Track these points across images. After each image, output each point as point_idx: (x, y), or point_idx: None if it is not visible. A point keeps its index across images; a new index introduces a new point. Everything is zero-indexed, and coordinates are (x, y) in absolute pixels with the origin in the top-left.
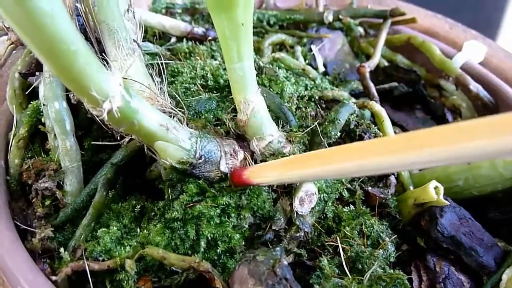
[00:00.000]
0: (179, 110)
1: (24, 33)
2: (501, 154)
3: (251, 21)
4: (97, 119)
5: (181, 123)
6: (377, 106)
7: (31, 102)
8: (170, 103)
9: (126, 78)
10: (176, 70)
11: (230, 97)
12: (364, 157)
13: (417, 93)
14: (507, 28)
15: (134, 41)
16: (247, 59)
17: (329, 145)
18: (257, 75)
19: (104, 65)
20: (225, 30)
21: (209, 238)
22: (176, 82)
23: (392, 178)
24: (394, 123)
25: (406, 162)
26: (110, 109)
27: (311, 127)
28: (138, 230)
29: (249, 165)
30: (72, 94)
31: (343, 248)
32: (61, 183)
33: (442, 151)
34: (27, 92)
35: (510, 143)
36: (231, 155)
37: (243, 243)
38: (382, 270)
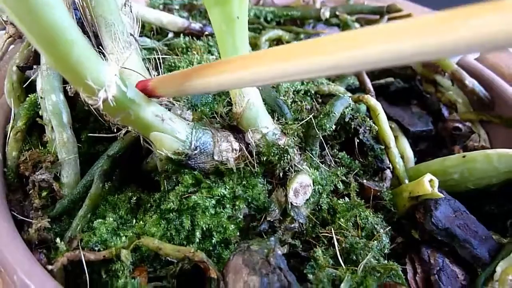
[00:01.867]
0: (175, 102)
1: (22, 22)
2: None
3: (246, 15)
4: (93, 110)
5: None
6: (372, 100)
7: (29, 95)
8: None
9: (124, 68)
10: (173, 64)
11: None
12: (279, 60)
13: (413, 88)
14: None
15: (131, 35)
16: (242, 53)
17: (324, 138)
18: None
19: (101, 58)
20: (220, 24)
21: (204, 228)
22: None
23: (388, 171)
24: (390, 118)
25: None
26: (106, 98)
27: (306, 120)
28: (134, 221)
29: (244, 155)
30: (69, 87)
31: (337, 239)
32: (58, 175)
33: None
34: (24, 85)
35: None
36: (226, 146)
37: (238, 233)
38: (377, 261)
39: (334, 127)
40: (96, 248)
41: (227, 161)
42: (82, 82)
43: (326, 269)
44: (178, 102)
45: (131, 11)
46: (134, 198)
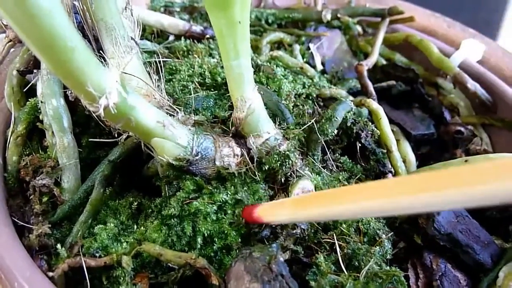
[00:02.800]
0: (177, 108)
1: (21, 29)
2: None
3: (248, 19)
4: (94, 116)
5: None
6: (374, 104)
7: (29, 99)
8: (168, 100)
9: (124, 73)
10: (174, 68)
11: (228, 95)
12: (383, 196)
13: (415, 91)
14: (507, 28)
15: (132, 38)
16: (244, 56)
17: (326, 142)
18: (254, 73)
19: (102, 62)
20: (222, 28)
21: (206, 234)
22: (173, 80)
23: (390, 175)
24: (391, 121)
25: (420, 203)
26: (107, 105)
27: (308, 125)
28: (135, 226)
29: (246, 161)
30: (69, 91)
31: (339, 245)
32: (59, 180)
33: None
34: (25, 90)
35: None
36: (227, 152)
37: (240, 240)
38: (379, 267)
39: (336, 131)
40: (97, 254)
41: (228, 166)
42: (83, 89)
43: (328, 276)
44: (179, 107)
45: (132, 15)
46: (135, 204)
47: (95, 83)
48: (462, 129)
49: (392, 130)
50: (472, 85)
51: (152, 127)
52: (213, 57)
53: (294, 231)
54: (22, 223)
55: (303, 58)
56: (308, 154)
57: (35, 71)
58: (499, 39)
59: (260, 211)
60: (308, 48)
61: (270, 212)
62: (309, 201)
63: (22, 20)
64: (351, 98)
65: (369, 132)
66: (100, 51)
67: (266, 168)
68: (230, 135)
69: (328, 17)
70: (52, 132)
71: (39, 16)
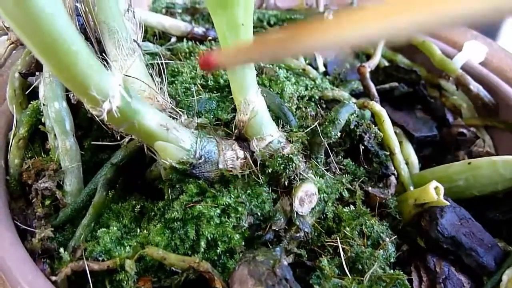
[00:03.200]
0: (180, 110)
1: (24, 33)
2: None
3: (251, 21)
4: (97, 119)
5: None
6: (377, 106)
7: (31, 102)
8: (170, 103)
9: (127, 75)
10: (176, 70)
11: (230, 97)
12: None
13: (418, 93)
14: (508, 28)
15: (134, 41)
16: None
17: (329, 145)
18: (257, 75)
19: (104, 65)
20: (225, 30)
21: (209, 238)
22: (176, 82)
23: (393, 178)
24: (394, 123)
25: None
26: (110, 109)
27: (311, 127)
28: (138, 230)
29: (249, 164)
30: (72, 94)
31: (343, 249)
32: (61, 183)
33: None
34: (27, 92)
35: None
36: (231, 155)
37: (243, 243)
38: (382, 271)
39: (339, 134)
40: (100, 258)
41: (232, 169)
42: (86, 93)
43: (332, 279)
44: (182, 110)
45: (134, 17)
46: (138, 207)
47: (98, 87)
48: (465, 131)
49: (395, 132)
50: (474, 86)
51: (155, 130)
52: None
53: (298, 235)
54: (24, 227)
55: (305, 60)
56: (311, 157)
57: (37, 73)
58: (499, 40)
59: (220, 53)
60: None
61: (232, 52)
62: (264, 40)
63: (24, 23)
64: (353, 100)
65: (372, 135)
66: (103, 54)
67: (270, 171)
68: (233, 138)
69: (330, 18)
70: (55, 135)
71: (41, 19)
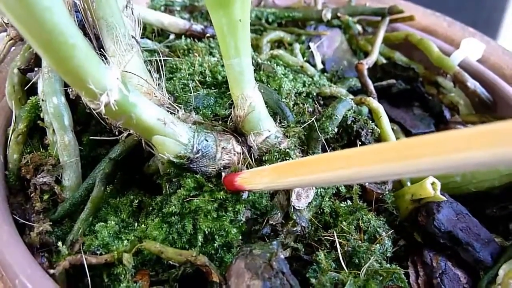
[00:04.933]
0: (177, 106)
1: (23, 26)
2: (497, 164)
3: (249, 18)
4: (95, 113)
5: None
6: (374, 103)
7: (30, 97)
8: (168, 98)
9: (125, 71)
10: (174, 66)
11: (228, 93)
12: (358, 164)
13: (415, 90)
14: (507, 27)
15: (133, 37)
16: (244, 55)
17: (326, 140)
18: (255, 72)
19: (103, 60)
20: (223, 26)
21: (206, 232)
22: (174, 78)
23: None
24: (392, 120)
25: (402, 170)
26: (108, 102)
27: (308, 123)
28: (136, 224)
29: (246, 164)
30: (70, 89)
31: (340, 243)
32: (60, 178)
33: (437, 161)
34: (26, 88)
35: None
36: (228, 150)
37: (240, 237)
38: (379, 265)
39: (336, 129)
40: (98, 252)
41: (229, 164)
42: (83, 86)
43: (328, 273)
44: (180, 105)
45: (132, 13)
46: (136, 201)
47: (96, 80)
48: (462, 127)
49: (392, 129)
50: (472, 83)
51: (153, 124)
52: (213, 56)
53: (295, 229)
54: (23, 221)
55: (303, 57)
56: (308, 152)
57: (36, 69)
58: (499, 39)
59: (241, 179)
60: (308, 47)
61: (251, 179)
62: (287, 169)
63: (23, 17)
64: (351, 96)
65: (369, 131)
66: (101, 50)
67: (267, 163)
68: (231, 133)
69: (328, 16)
70: (53, 130)
71: (40, 13)
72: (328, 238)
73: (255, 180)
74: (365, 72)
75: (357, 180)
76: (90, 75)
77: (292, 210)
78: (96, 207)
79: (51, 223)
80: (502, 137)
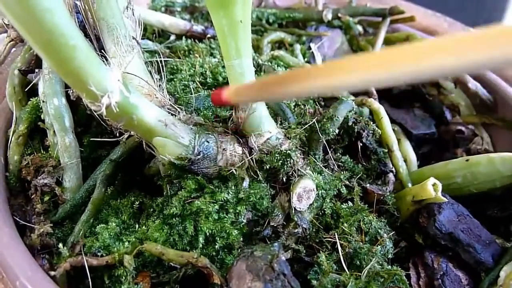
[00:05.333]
0: (178, 107)
1: (23, 27)
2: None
3: (249, 19)
4: (96, 115)
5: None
6: (375, 104)
7: (31, 99)
8: (169, 99)
9: (126, 72)
10: (175, 67)
11: None
12: (339, 74)
13: (416, 91)
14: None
15: (133, 38)
16: (245, 56)
17: (327, 142)
18: (256, 73)
19: (103, 61)
20: (223, 27)
21: (208, 234)
22: (175, 79)
23: (391, 175)
24: (393, 121)
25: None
26: (109, 104)
27: (309, 124)
28: (137, 226)
29: (247, 160)
30: (71, 91)
31: (341, 244)
32: (60, 179)
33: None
34: (26, 89)
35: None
36: (229, 151)
37: (241, 239)
38: (380, 266)
39: (337, 131)
40: (99, 254)
41: (230, 166)
42: (84, 87)
43: (330, 275)
44: (181, 106)
45: (133, 14)
46: (137, 203)
47: (96, 81)
48: (463, 128)
49: (393, 130)
50: (473, 84)
51: (153, 125)
52: (214, 57)
53: (296, 230)
54: (23, 223)
55: (304, 58)
56: (309, 153)
57: (36, 70)
58: None
59: (228, 92)
60: (309, 48)
61: (237, 92)
62: (274, 80)
63: (24, 18)
64: (352, 97)
65: (370, 132)
66: (102, 51)
67: (268, 167)
68: (232, 134)
69: (329, 16)
70: (54, 131)
71: (40, 14)
72: (329, 239)
73: (242, 92)
74: None
75: (338, 88)
76: (91, 76)
77: (293, 211)
78: (97, 209)
79: (51, 225)
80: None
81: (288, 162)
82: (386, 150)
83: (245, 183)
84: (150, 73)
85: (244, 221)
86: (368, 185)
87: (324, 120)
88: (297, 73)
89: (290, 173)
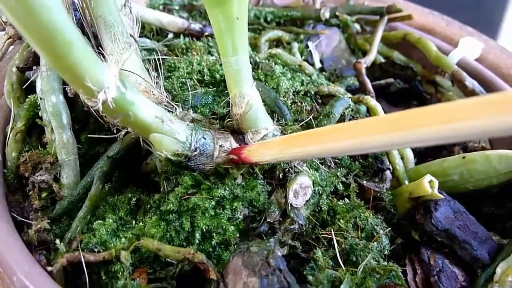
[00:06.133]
0: (175, 104)
1: (20, 23)
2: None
3: (246, 15)
4: (93, 111)
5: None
6: (372, 101)
7: (29, 96)
8: (166, 97)
9: (124, 70)
10: (173, 65)
11: (226, 91)
12: (363, 135)
13: (413, 89)
14: (507, 27)
15: (131, 35)
16: (242, 53)
17: None
18: (253, 70)
19: (101, 58)
20: (220, 24)
21: (204, 230)
22: (172, 77)
23: (388, 172)
24: None
25: (405, 139)
26: (105, 100)
27: (306, 121)
28: (134, 222)
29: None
30: (69, 88)
31: (337, 241)
32: (58, 176)
33: (430, 131)
34: (24, 86)
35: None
36: (226, 148)
37: (238, 235)
38: (376, 262)
39: None
40: (96, 249)
41: (227, 162)
42: (81, 83)
43: (326, 270)
44: (178, 103)
45: (130, 12)
46: (134, 199)
47: (93, 77)
48: None
49: None
50: (470, 82)
51: (150, 122)
52: (211, 55)
53: (292, 227)
54: (21, 219)
55: (301, 56)
56: None
57: (34, 68)
58: (499, 39)
59: (247, 151)
60: (307, 46)
61: (257, 152)
62: (294, 140)
63: (21, 14)
64: (349, 95)
65: None
66: (99, 48)
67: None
68: (229, 131)
69: (327, 15)
70: (51, 128)
71: (37, 10)
72: (326, 236)
73: (262, 152)
74: (363, 71)
75: (360, 151)
76: (87, 72)
77: (289, 208)
78: (94, 205)
79: (49, 221)
80: (500, 106)
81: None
82: None
83: (239, 179)
84: (148, 70)
85: (241, 217)
86: (364, 182)
87: (321, 117)
88: (321, 131)
89: (287, 169)
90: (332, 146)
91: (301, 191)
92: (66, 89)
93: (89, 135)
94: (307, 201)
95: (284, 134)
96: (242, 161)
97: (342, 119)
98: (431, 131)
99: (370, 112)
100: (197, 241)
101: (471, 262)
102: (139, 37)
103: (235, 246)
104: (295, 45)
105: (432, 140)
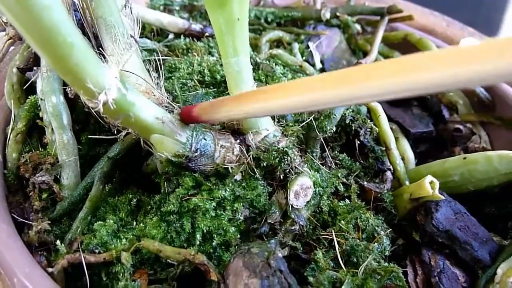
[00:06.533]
0: (176, 105)
1: (21, 24)
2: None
3: (247, 16)
4: (94, 112)
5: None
6: (373, 102)
7: (29, 96)
8: (167, 97)
9: (124, 70)
10: (173, 66)
11: (227, 92)
12: (313, 90)
13: None
14: (507, 27)
15: (131, 36)
16: (243, 53)
17: (325, 140)
18: (254, 71)
19: (101, 59)
20: (221, 25)
21: (205, 231)
22: (173, 77)
23: (389, 173)
24: (390, 119)
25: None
26: (106, 101)
27: (306, 122)
28: (134, 223)
29: (244, 158)
30: (69, 89)
31: (338, 242)
32: (58, 176)
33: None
34: (25, 87)
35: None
36: (226, 148)
37: (239, 236)
38: (377, 263)
39: (334, 128)
40: (97, 251)
41: (227, 163)
42: (82, 85)
43: (326, 272)
44: (179, 104)
45: (131, 12)
46: (135, 200)
47: (94, 79)
48: (461, 127)
49: (391, 128)
50: None
51: (151, 123)
52: (212, 55)
53: (293, 228)
54: (21, 220)
55: (302, 57)
56: (306, 151)
57: (35, 68)
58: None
59: (199, 109)
60: (307, 47)
61: (209, 109)
62: (247, 96)
63: (22, 15)
64: None
65: (367, 130)
66: (100, 49)
67: (265, 165)
68: (229, 132)
69: (327, 15)
70: (52, 129)
71: (38, 11)
72: (326, 237)
73: (214, 110)
74: None
75: (315, 107)
76: (88, 73)
77: (290, 209)
78: (94, 206)
79: (49, 222)
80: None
81: (285, 159)
82: (384, 148)
83: (237, 177)
84: (148, 71)
85: (241, 218)
86: (365, 183)
87: (322, 117)
88: (275, 87)
89: (288, 170)
90: (284, 102)
91: (302, 192)
92: (67, 90)
93: (89, 136)
94: (308, 202)
95: (285, 135)
96: (193, 119)
97: (343, 119)
98: (380, 85)
99: (370, 112)
100: (198, 242)
101: (472, 263)
102: (140, 37)
103: (236, 247)
104: (296, 45)
105: (381, 95)
